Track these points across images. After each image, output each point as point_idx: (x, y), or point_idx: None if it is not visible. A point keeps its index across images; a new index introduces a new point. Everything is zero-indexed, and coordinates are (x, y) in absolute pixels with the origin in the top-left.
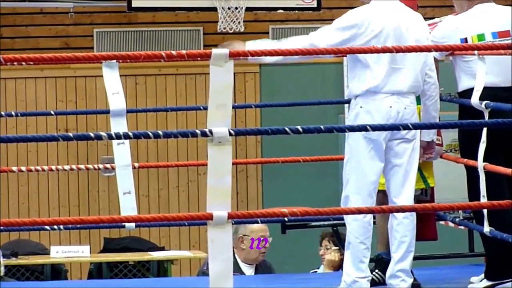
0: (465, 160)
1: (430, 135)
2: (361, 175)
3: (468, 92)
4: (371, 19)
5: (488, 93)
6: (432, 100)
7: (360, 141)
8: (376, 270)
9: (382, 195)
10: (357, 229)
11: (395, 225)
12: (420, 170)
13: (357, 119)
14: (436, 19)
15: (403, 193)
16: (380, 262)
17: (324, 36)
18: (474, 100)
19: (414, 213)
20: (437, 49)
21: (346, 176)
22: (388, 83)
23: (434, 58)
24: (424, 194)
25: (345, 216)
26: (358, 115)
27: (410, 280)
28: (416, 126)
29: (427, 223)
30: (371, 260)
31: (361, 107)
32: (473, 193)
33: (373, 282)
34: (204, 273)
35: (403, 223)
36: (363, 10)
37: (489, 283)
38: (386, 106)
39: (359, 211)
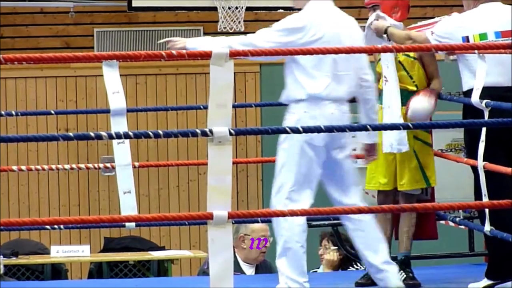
0: (465, 159)
1: (372, 137)
2: (301, 179)
3: (472, 92)
4: (314, 24)
5: (492, 92)
6: (370, 103)
7: (302, 145)
8: None
9: (383, 196)
10: (299, 234)
11: (352, 231)
12: (422, 169)
13: (299, 123)
14: (436, 19)
15: (352, 195)
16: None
17: (265, 37)
18: (474, 99)
19: (367, 215)
20: (437, 48)
21: (280, 180)
22: (332, 91)
23: (435, 56)
24: (424, 193)
25: (282, 223)
26: (301, 120)
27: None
28: (416, 126)
29: (427, 223)
30: None
31: (305, 111)
32: (479, 192)
33: (373, 282)
34: (205, 272)
35: (360, 228)
36: (306, 14)
37: (490, 282)
38: (329, 112)
39: (359, 211)
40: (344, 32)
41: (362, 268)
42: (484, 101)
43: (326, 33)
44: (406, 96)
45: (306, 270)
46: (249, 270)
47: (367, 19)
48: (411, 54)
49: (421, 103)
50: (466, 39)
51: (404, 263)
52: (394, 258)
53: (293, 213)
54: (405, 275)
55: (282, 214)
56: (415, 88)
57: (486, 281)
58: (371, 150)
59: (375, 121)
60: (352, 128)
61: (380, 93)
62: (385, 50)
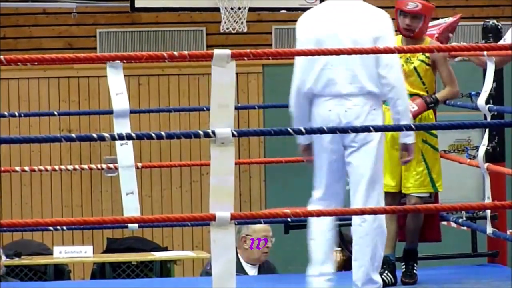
0: (468, 160)
1: (409, 137)
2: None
3: None
4: (301, 28)
5: None
6: (390, 102)
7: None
8: (386, 272)
9: (390, 198)
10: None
11: (353, 228)
12: (430, 174)
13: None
14: (441, 20)
15: (356, 198)
16: (388, 263)
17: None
18: (480, 101)
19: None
20: (439, 49)
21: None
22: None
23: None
24: (430, 196)
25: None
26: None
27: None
28: (419, 127)
29: (431, 224)
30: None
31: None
32: None
33: (383, 284)
34: (208, 273)
35: (361, 226)
36: (299, 21)
37: None
38: (325, 109)
39: (362, 212)
40: (343, 28)
41: None
42: (487, 106)
43: (316, 36)
44: None
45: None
46: (251, 270)
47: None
48: (426, 61)
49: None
50: None
51: (408, 255)
52: (399, 259)
53: (296, 214)
54: (404, 269)
55: (285, 214)
56: (426, 94)
57: None
58: (407, 150)
59: (399, 121)
60: (355, 129)
61: None
62: (387, 51)
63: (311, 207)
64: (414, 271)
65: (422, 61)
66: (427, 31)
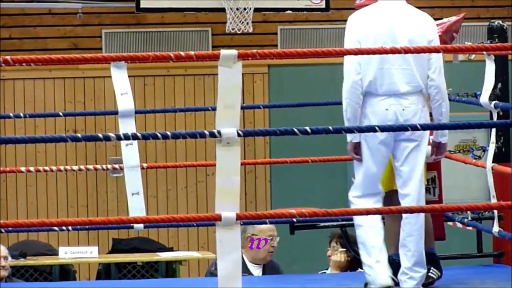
0: (474, 161)
1: (442, 136)
2: (365, 175)
3: None
4: (357, 25)
5: None
6: (435, 103)
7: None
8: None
9: (390, 196)
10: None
11: (402, 224)
12: None
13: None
14: (445, 19)
15: (407, 192)
16: (391, 263)
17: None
18: (484, 99)
19: (421, 215)
20: (446, 50)
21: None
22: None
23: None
24: (432, 194)
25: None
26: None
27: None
28: (424, 128)
29: (435, 224)
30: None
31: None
32: None
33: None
34: (212, 273)
35: (409, 223)
36: (352, 18)
37: None
38: (382, 108)
39: (367, 212)
40: (398, 28)
41: None
42: (493, 102)
43: (370, 33)
44: None
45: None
46: (256, 270)
47: None
48: None
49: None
50: None
51: (427, 259)
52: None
53: (301, 215)
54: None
55: (290, 215)
56: None
57: None
58: (439, 149)
59: (439, 121)
60: (360, 129)
61: None
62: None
63: (359, 204)
64: (430, 274)
65: None
66: None
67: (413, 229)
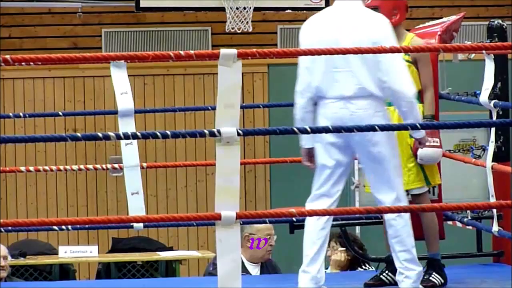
0: (473, 160)
1: (415, 133)
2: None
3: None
4: (306, 32)
5: None
6: (397, 106)
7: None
8: (386, 271)
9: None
10: None
11: (386, 228)
12: (422, 168)
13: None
14: (444, 19)
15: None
16: (390, 263)
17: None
18: (483, 99)
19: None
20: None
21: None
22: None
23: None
24: (431, 193)
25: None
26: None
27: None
28: (424, 127)
29: None
30: (382, 261)
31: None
32: None
33: (382, 283)
34: (211, 273)
35: (391, 225)
36: (303, 26)
37: None
38: (331, 111)
39: (367, 211)
40: (343, 32)
41: (371, 269)
42: (493, 101)
43: (313, 42)
44: None
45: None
46: (254, 270)
47: None
48: (406, 58)
49: (428, 153)
50: None
51: (428, 262)
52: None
53: (301, 214)
54: (426, 276)
55: (290, 214)
56: None
57: None
58: (420, 143)
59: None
60: (360, 128)
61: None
62: (393, 50)
63: (311, 205)
64: (431, 278)
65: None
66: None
67: (396, 230)
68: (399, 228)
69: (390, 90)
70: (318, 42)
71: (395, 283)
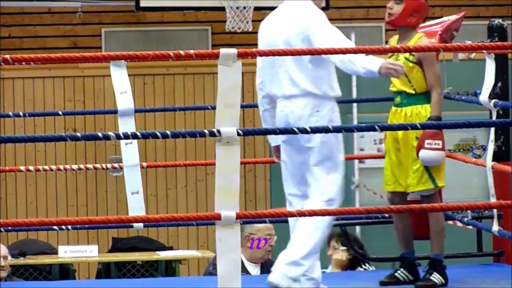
0: (473, 159)
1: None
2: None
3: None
4: (259, 31)
5: None
6: (349, 72)
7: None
8: (401, 269)
9: (392, 196)
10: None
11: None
12: (428, 170)
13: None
14: (445, 18)
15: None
16: (404, 261)
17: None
18: (483, 98)
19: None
20: (446, 49)
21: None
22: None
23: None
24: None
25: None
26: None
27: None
28: (424, 126)
29: None
30: (395, 260)
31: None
32: None
33: (398, 281)
34: (210, 273)
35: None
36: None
37: None
38: (279, 110)
39: (367, 211)
40: (279, 30)
41: (371, 269)
42: (493, 100)
43: (261, 39)
44: (404, 97)
45: None
46: (254, 270)
47: (375, 18)
48: (410, 58)
49: (429, 155)
50: None
51: (430, 262)
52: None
53: (301, 214)
54: (424, 273)
55: (290, 214)
56: (413, 92)
57: None
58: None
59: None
60: (360, 128)
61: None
62: (392, 50)
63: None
64: (432, 277)
65: (406, 58)
66: (415, 23)
67: (307, 226)
68: (300, 229)
69: (339, 64)
70: (264, 43)
71: (410, 281)
